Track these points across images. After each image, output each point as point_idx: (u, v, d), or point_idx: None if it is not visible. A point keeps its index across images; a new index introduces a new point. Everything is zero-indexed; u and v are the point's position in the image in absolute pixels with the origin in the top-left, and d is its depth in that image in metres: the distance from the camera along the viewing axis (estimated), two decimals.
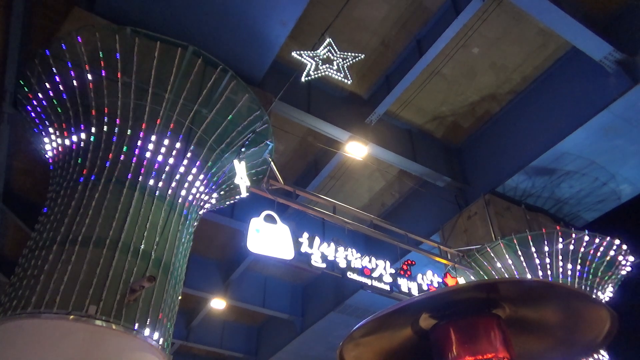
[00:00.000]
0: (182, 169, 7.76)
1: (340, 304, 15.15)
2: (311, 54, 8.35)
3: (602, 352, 10.09)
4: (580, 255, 10.53)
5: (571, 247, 10.48)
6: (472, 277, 11.07)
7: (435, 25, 10.01)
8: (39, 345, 5.63)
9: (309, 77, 8.41)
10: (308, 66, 8.38)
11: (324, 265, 8.52)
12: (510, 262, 10.45)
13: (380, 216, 14.03)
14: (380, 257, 9.32)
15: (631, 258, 11.08)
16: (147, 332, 6.36)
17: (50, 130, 8.08)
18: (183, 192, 7.79)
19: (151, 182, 7.37)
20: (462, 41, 10.28)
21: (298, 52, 8.31)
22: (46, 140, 8.42)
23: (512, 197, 11.93)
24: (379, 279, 9.08)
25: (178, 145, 7.75)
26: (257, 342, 19.54)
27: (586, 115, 9.90)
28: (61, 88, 7.70)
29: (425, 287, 9.61)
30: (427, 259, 11.56)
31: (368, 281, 8.93)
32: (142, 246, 6.83)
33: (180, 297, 7.60)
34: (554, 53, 10.85)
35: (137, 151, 7.45)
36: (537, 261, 10.36)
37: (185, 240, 7.87)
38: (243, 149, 8.52)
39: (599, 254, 10.63)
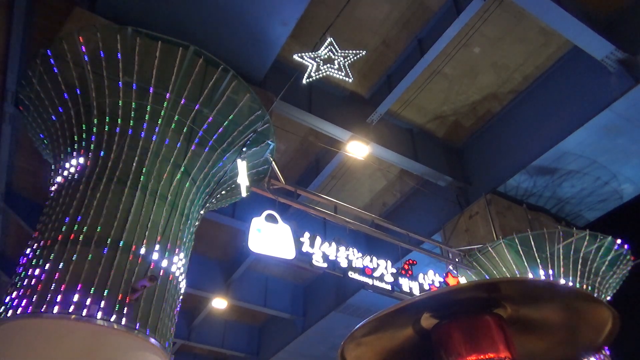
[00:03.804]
0: None
1: (341, 303, 15.16)
2: (312, 55, 8.34)
3: (604, 351, 10.07)
4: (581, 254, 10.52)
5: (573, 246, 10.46)
6: (474, 277, 11.06)
7: (436, 24, 10.01)
8: (40, 345, 5.65)
9: (310, 79, 8.40)
10: (309, 67, 8.37)
11: (325, 265, 8.52)
12: (511, 261, 10.44)
13: (382, 216, 14.04)
14: (381, 257, 9.32)
15: (632, 257, 11.07)
16: (148, 331, 6.37)
17: (52, 130, 8.09)
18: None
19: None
20: (463, 40, 10.27)
21: (300, 55, 8.30)
22: (47, 140, 8.43)
23: (513, 196, 11.92)
24: (380, 278, 9.08)
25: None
26: (259, 342, 19.56)
27: (588, 115, 9.89)
28: (63, 88, 7.72)
29: (426, 287, 9.60)
30: (429, 258, 11.56)
31: (369, 281, 8.93)
32: (144, 246, 6.84)
33: (181, 297, 7.61)
34: (556, 52, 10.83)
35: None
36: (539, 260, 10.35)
37: (187, 239, 7.88)
38: (244, 149, 8.52)
39: (600, 253, 10.62)
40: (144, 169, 7.43)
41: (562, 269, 10.35)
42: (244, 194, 8.40)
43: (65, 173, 7.58)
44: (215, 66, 8.14)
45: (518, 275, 10.28)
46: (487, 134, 12.64)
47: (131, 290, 6.29)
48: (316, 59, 8.37)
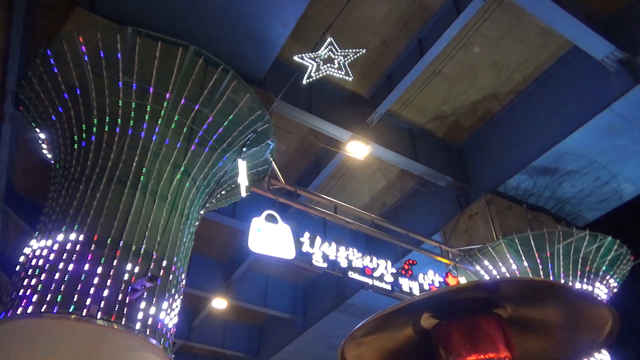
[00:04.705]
0: None
1: (341, 303, 15.16)
2: (312, 55, 8.34)
3: (603, 351, 10.07)
4: (581, 254, 10.52)
5: (573, 246, 10.46)
6: (474, 277, 11.06)
7: (436, 24, 10.01)
8: (40, 345, 5.65)
9: (310, 79, 8.39)
10: (309, 68, 8.36)
11: (325, 265, 8.52)
12: (511, 261, 10.45)
13: (382, 216, 14.03)
14: (381, 257, 9.32)
15: (633, 257, 11.07)
16: (148, 331, 6.37)
17: (52, 130, 8.09)
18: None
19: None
20: (463, 41, 10.27)
21: (300, 56, 8.29)
22: (47, 140, 8.43)
23: (513, 196, 11.92)
24: (380, 278, 9.08)
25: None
26: (259, 342, 19.56)
27: (588, 115, 9.89)
28: (63, 88, 7.72)
29: (426, 287, 9.61)
30: (429, 258, 11.56)
31: (369, 281, 8.93)
32: (144, 246, 6.84)
33: (181, 297, 7.62)
34: (556, 52, 10.83)
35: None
36: (539, 260, 10.35)
37: (187, 239, 7.88)
38: (244, 149, 8.52)
39: (600, 253, 10.61)
40: (144, 169, 7.43)
41: (562, 269, 10.34)
42: (243, 194, 8.40)
43: (65, 173, 7.58)
44: (215, 66, 8.14)
45: (518, 275, 10.28)
46: (487, 134, 12.64)
47: (131, 290, 6.29)
48: (316, 59, 8.37)
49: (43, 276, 6.21)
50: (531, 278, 9.71)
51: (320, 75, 8.44)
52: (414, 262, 9.78)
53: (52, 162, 8.48)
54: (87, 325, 5.88)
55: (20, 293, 6.20)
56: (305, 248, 8.36)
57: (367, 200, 14.77)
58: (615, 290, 11.37)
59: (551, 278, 10.21)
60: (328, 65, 8.44)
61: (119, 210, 6.91)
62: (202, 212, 8.83)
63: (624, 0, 9.62)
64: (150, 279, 6.19)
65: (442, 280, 9.95)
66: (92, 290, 6.09)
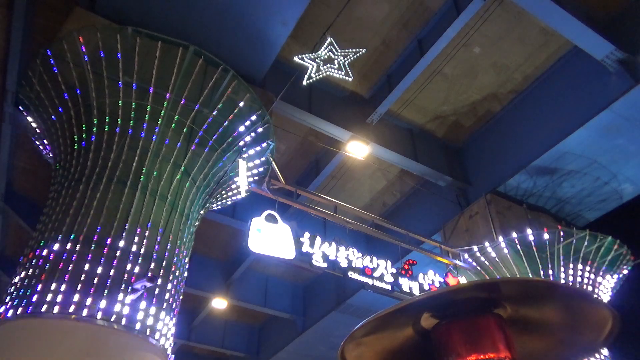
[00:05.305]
0: None
1: (341, 303, 15.16)
2: (312, 56, 8.34)
3: (603, 352, 10.07)
4: (581, 254, 10.52)
5: (573, 246, 10.46)
6: (474, 277, 11.06)
7: (436, 24, 10.01)
8: (40, 345, 5.65)
9: (311, 80, 8.39)
10: (309, 69, 8.36)
11: (325, 265, 8.52)
12: (511, 261, 10.45)
13: (382, 216, 14.03)
14: (381, 257, 9.32)
15: (633, 257, 11.08)
16: (148, 331, 6.37)
17: (52, 130, 8.09)
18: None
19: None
20: (463, 40, 10.27)
21: (300, 57, 8.29)
22: (47, 140, 8.43)
23: (513, 196, 11.92)
24: (380, 278, 9.08)
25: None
26: (259, 342, 19.57)
27: (588, 115, 9.89)
28: (63, 88, 7.72)
29: (426, 287, 9.61)
30: (429, 258, 11.56)
31: (369, 281, 8.94)
32: (144, 246, 6.84)
33: (181, 297, 7.62)
34: (556, 52, 10.83)
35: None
36: (539, 260, 10.35)
37: (187, 239, 7.88)
38: (244, 149, 8.52)
39: (600, 253, 10.62)
40: (144, 169, 7.43)
41: (562, 269, 10.35)
42: (243, 194, 8.41)
43: (65, 173, 7.58)
44: (215, 66, 8.14)
45: (518, 276, 10.28)
46: (487, 134, 12.64)
47: (131, 290, 6.30)
48: (316, 60, 8.37)
49: (43, 276, 6.21)
50: (531, 278, 9.72)
51: (320, 75, 8.44)
52: (414, 262, 9.78)
53: (52, 162, 8.48)
54: (87, 325, 5.88)
55: (21, 293, 6.21)
56: (305, 248, 8.37)
57: (367, 200, 14.77)
58: (615, 290, 11.37)
59: (551, 278, 10.21)
60: (328, 65, 8.43)
61: (119, 210, 6.91)
62: (202, 212, 8.83)
63: (624, 0, 9.62)
64: (150, 279, 6.19)
65: (442, 280, 9.95)
66: (92, 290, 6.10)
